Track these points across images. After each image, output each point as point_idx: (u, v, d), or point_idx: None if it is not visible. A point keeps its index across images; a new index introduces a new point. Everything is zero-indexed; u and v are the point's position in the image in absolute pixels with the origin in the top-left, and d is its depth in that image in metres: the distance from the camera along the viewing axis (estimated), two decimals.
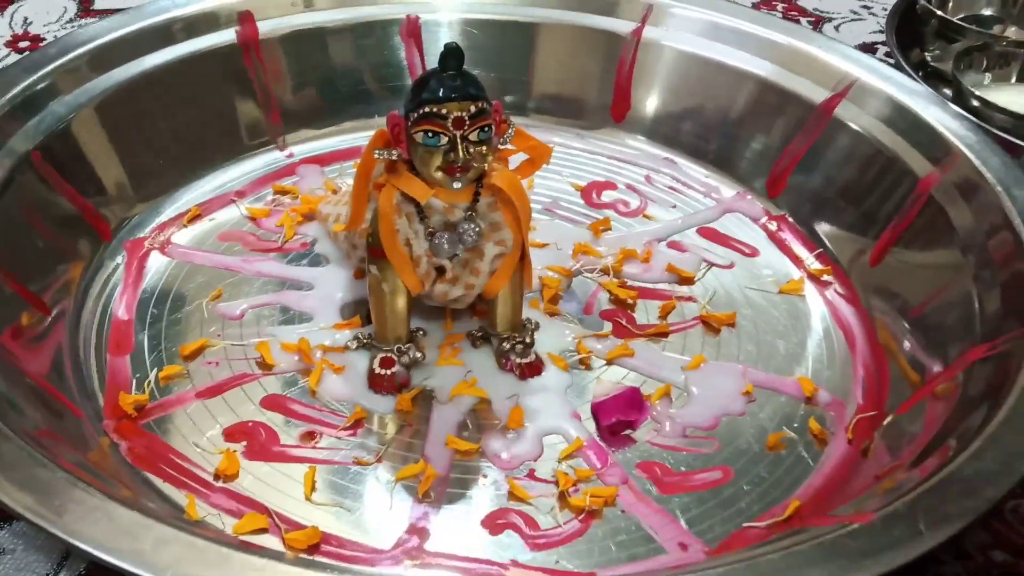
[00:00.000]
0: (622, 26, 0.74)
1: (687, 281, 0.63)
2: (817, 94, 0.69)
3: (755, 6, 0.92)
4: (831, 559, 0.39)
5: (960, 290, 0.57)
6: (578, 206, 0.70)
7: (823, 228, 0.67)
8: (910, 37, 0.84)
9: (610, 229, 0.67)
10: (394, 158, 0.51)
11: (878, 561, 0.39)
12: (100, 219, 0.62)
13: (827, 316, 0.62)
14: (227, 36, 0.71)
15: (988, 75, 0.80)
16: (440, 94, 0.48)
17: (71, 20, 0.86)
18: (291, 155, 0.72)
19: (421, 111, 0.48)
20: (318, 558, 0.46)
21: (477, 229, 0.52)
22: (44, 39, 0.83)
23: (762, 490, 0.51)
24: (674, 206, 0.70)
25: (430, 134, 0.48)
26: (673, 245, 0.67)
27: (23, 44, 0.83)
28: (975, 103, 0.73)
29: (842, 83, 0.69)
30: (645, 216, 0.69)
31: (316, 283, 0.62)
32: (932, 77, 0.81)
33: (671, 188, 0.71)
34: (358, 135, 0.74)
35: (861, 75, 0.69)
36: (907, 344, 0.58)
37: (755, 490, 0.51)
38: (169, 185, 0.67)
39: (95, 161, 0.64)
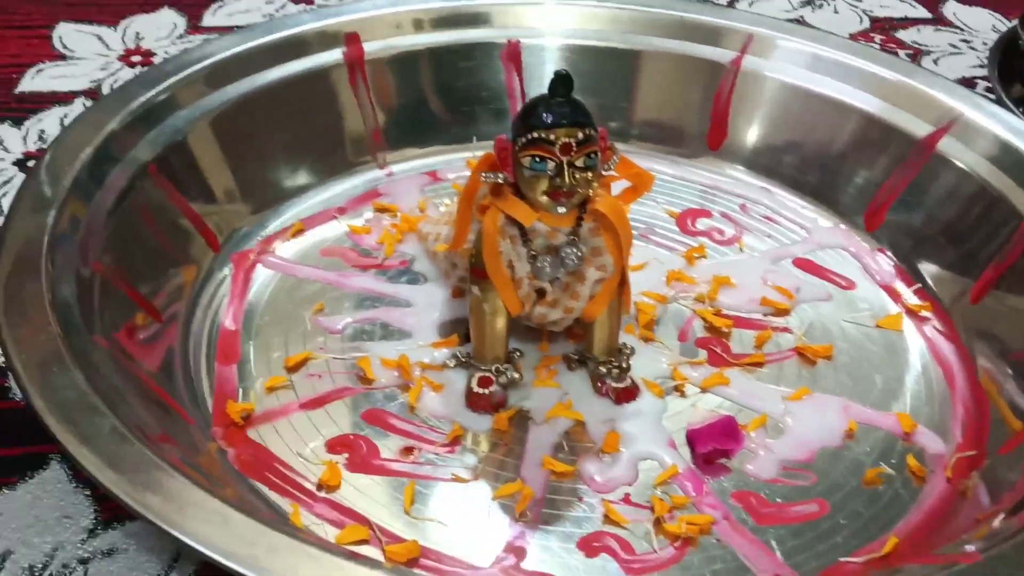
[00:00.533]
0: (723, 55, 0.75)
1: (783, 312, 0.63)
2: (920, 128, 0.69)
3: (852, 38, 0.92)
4: None
5: None
6: (673, 233, 0.70)
7: (923, 265, 0.66)
8: (1011, 72, 0.83)
9: (704, 257, 0.68)
10: (500, 181, 0.52)
11: None
12: (209, 231, 0.64)
13: (926, 352, 0.61)
14: (335, 56, 0.72)
15: None
16: (549, 120, 0.49)
17: (180, 36, 0.89)
18: (391, 173, 0.74)
19: (530, 136, 0.49)
20: (418, 572, 0.46)
21: (579, 253, 0.53)
22: (155, 54, 0.86)
23: (859, 525, 0.51)
24: (769, 236, 0.70)
25: (538, 159, 0.49)
26: (770, 275, 0.66)
27: (135, 59, 0.86)
28: None
29: (945, 118, 0.68)
30: (740, 245, 0.69)
31: (414, 301, 0.63)
32: None
33: (767, 218, 0.72)
34: (455, 156, 0.75)
35: (964, 110, 0.68)
36: (1008, 388, 0.57)
37: (852, 525, 0.51)
38: (275, 199, 0.69)
39: (208, 173, 0.66)
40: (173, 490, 0.42)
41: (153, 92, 0.65)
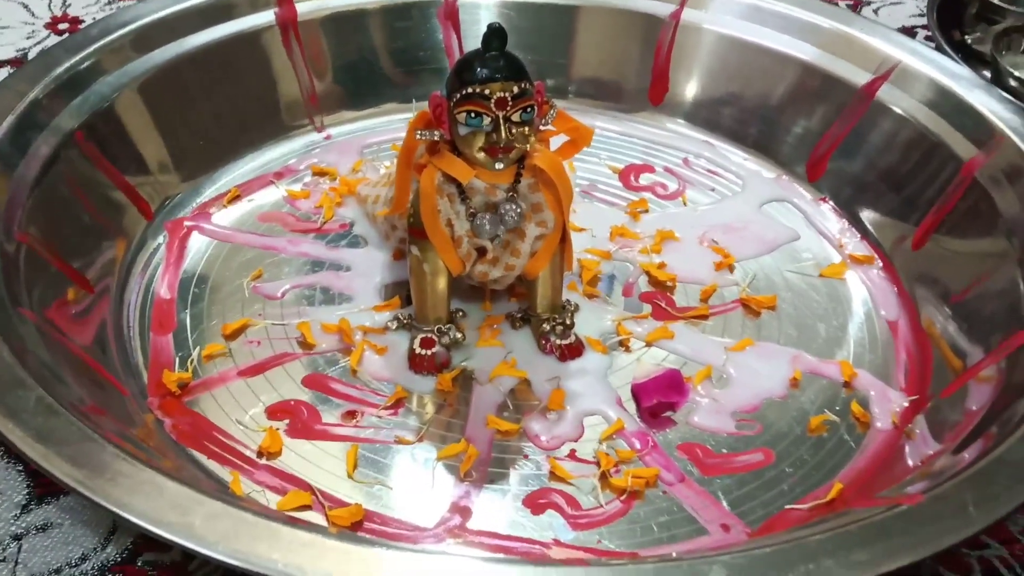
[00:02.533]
0: (661, 8, 0.74)
1: (727, 264, 0.63)
2: (859, 77, 0.69)
3: None
4: (880, 539, 0.39)
5: (1005, 276, 0.56)
6: (616, 188, 0.70)
7: (865, 213, 0.66)
8: (950, 19, 0.83)
9: (647, 211, 0.67)
10: (436, 139, 0.51)
11: (927, 542, 0.39)
12: (141, 199, 0.63)
13: (868, 300, 0.61)
14: (267, 17, 0.71)
15: None
16: (484, 75, 0.48)
17: (109, 2, 0.87)
18: (328, 136, 0.73)
19: (464, 91, 0.48)
20: (362, 535, 0.46)
21: (519, 210, 0.52)
22: (83, 21, 0.84)
23: (804, 473, 0.51)
24: (712, 189, 0.70)
25: (473, 115, 0.48)
26: (713, 228, 0.66)
27: (62, 26, 0.83)
28: (1014, 83, 0.72)
29: (884, 66, 0.68)
30: (683, 199, 0.69)
31: (355, 264, 0.62)
32: (971, 59, 0.80)
33: (709, 171, 0.71)
34: (395, 117, 0.74)
35: (903, 58, 0.68)
36: (949, 330, 0.58)
37: (797, 472, 0.51)
38: (209, 165, 0.68)
39: (137, 140, 0.64)
40: (104, 461, 0.41)
41: (78, 57, 0.63)
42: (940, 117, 0.65)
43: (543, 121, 0.51)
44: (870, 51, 0.69)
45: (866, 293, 0.62)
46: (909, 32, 0.86)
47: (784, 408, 0.54)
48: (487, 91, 0.48)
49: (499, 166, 0.50)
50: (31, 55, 0.79)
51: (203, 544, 0.38)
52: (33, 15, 0.84)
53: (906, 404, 0.55)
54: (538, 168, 0.51)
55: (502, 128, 0.48)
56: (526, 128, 0.49)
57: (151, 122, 0.65)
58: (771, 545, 0.40)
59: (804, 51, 0.71)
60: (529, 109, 0.49)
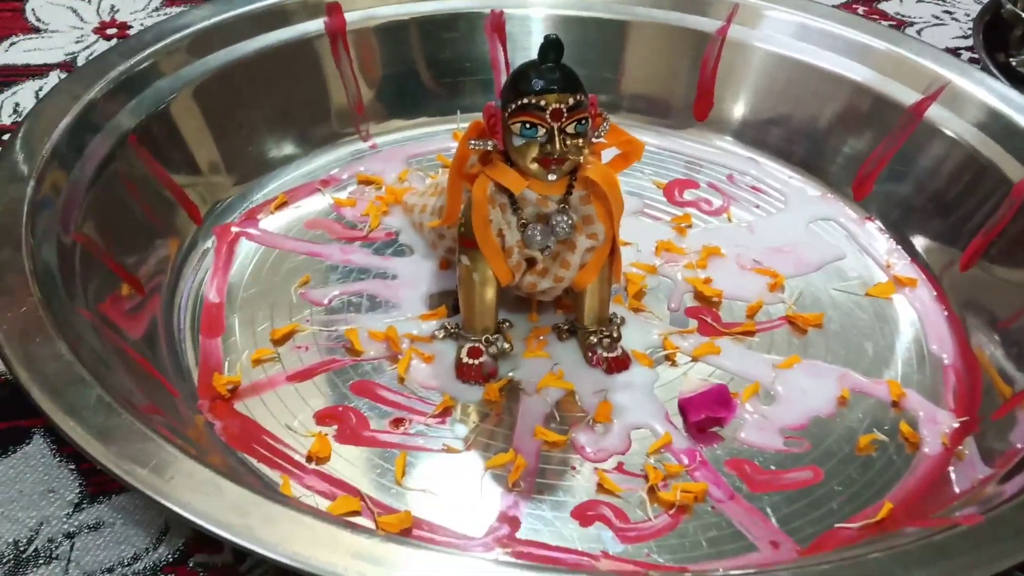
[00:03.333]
0: (709, 24, 0.74)
1: (775, 284, 0.63)
2: (908, 97, 0.68)
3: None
4: (939, 559, 0.39)
5: None
6: (660, 203, 0.70)
7: (913, 234, 0.66)
8: (995, 41, 0.83)
9: (691, 227, 0.67)
10: (489, 149, 0.51)
11: (986, 563, 0.39)
12: (191, 203, 0.63)
13: (916, 321, 0.61)
14: (317, 25, 0.71)
15: None
16: (539, 86, 0.48)
17: (156, 9, 0.88)
18: (374, 145, 0.73)
19: (520, 102, 0.48)
20: (413, 541, 0.46)
21: (570, 222, 0.52)
22: (131, 27, 0.85)
23: (853, 491, 0.51)
24: (757, 206, 0.70)
25: (528, 125, 0.48)
26: (758, 245, 0.66)
27: (110, 31, 0.84)
28: None
29: (933, 86, 0.68)
30: (727, 215, 0.69)
31: (401, 273, 0.62)
32: (1016, 82, 0.80)
33: (754, 188, 0.71)
34: (440, 128, 0.74)
35: (952, 78, 0.68)
36: (998, 356, 0.57)
37: (846, 491, 0.51)
38: (258, 171, 0.68)
39: (190, 143, 0.65)
40: (164, 460, 0.41)
41: (133, 61, 0.64)
42: (990, 139, 0.64)
43: (596, 133, 0.51)
44: (919, 71, 0.69)
45: (914, 314, 0.62)
46: (954, 53, 0.86)
47: (832, 426, 0.54)
48: (543, 102, 0.48)
49: (552, 177, 0.50)
50: (80, 59, 0.80)
51: (263, 546, 0.38)
52: (82, 19, 0.85)
53: (956, 425, 0.54)
54: (590, 180, 0.51)
55: (556, 139, 0.48)
56: (580, 140, 0.49)
57: (204, 125, 0.65)
58: (828, 562, 0.39)
59: (853, 71, 0.71)
60: (583, 121, 0.49)
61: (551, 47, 0.49)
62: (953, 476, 0.51)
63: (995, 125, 0.65)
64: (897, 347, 0.59)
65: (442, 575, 0.38)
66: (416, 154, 0.72)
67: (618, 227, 0.54)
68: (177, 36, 0.66)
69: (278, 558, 0.37)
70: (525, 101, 0.48)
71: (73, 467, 0.49)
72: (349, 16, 0.72)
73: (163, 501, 0.39)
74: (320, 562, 0.37)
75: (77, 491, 0.48)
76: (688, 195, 0.71)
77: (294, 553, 0.37)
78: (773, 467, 0.52)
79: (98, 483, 0.48)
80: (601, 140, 0.52)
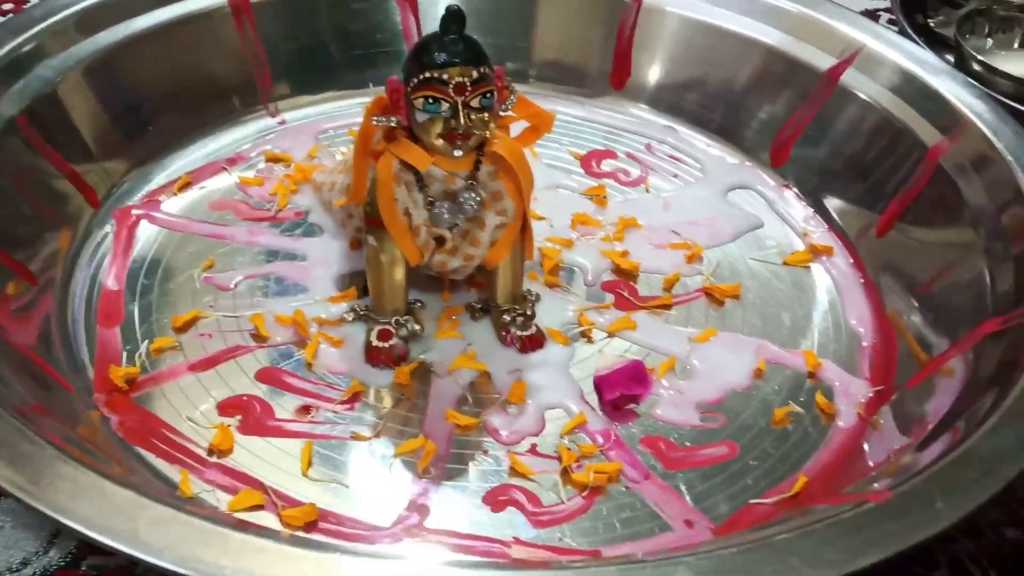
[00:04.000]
0: None
1: (693, 256, 0.62)
2: (824, 62, 0.68)
3: None
4: (848, 537, 0.38)
5: (971, 267, 0.56)
6: (578, 175, 0.68)
7: (830, 200, 0.66)
8: (912, 3, 0.82)
9: (607, 199, 0.66)
10: (393, 125, 0.50)
11: (896, 539, 0.38)
12: (88, 187, 0.61)
13: (833, 288, 0.61)
14: None
15: (990, 40, 0.79)
16: (442, 59, 0.47)
17: None
18: (283, 122, 0.71)
19: (422, 76, 0.47)
20: (316, 536, 0.44)
21: (478, 198, 0.51)
22: (28, 3, 0.81)
23: (769, 466, 0.50)
24: (675, 175, 0.69)
25: (431, 100, 0.47)
26: (676, 216, 0.65)
27: (7, 7, 0.81)
28: (977, 68, 0.72)
29: (848, 50, 0.67)
30: (645, 186, 0.68)
31: (310, 254, 0.60)
32: (935, 43, 0.80)
33: (672, 157, 0.70)
34: (351, 102, 0.72)
35: (868, 42, 0.67)
36: (915, 321, 0.57)
37: (762, 466, 0.50)
38: (158, 152, 0.66)
39: (82, 126, 0.62)
40: (45, 465, 0.39)
41: (19, 40, 0.61)
42: (905, 103, 0.64)
43: (503, 107, 0.50)
44: (835, 35, 0.68)
45: (830, 282, 0.61)
46: (872, 15, 0.86)
47: (748, 400, 0.54)
48: (445, 76, 0.46)
49: (458, 153, 0.48)
50: None
51: (148, 551, 0.36)
52: None
53: (871, 395, 0.54)
54: (498, 155, 0.50)
55: (461, 114, 0.47)
56: (485, 114, 0.48)
57: (97, 107, 0.63)
58: (737, 545, 0.39)
59: (769, 35, 0.70)
60: (489, 95, 0.47)
61: (452, 18, 0.47)
62: (868, 447, 0.51)
63: (910, 88, 0.64)
64: (814, 317, 0.59)
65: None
66: (326, 130, 0.70)
67: (528, 202, 0.52)
68: (68, 12, 0.63)
69: (164, 564, 0.36)
70: (427, 75, 0.47)
71: None
72: None
73: (42, 507, 0.37)
74: (208, 565, 0.36)
75: None
76: (606, 166, 0.69)
77: (180, 557, 0.36)
78: (688, 444, 0.51)
79: None
80: (509, 113, 0.51)
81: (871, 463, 0.49)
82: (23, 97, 0.59)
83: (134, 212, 0.62)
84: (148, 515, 0.38)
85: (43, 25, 0.62)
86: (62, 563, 0.44)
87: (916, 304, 0.58)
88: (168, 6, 0.67)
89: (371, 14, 0.73)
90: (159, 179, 0.65)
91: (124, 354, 0.53)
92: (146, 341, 0.54)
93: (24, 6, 0.80)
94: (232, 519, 0.43)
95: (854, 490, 0.45)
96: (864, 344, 0.57)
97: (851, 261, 0.62)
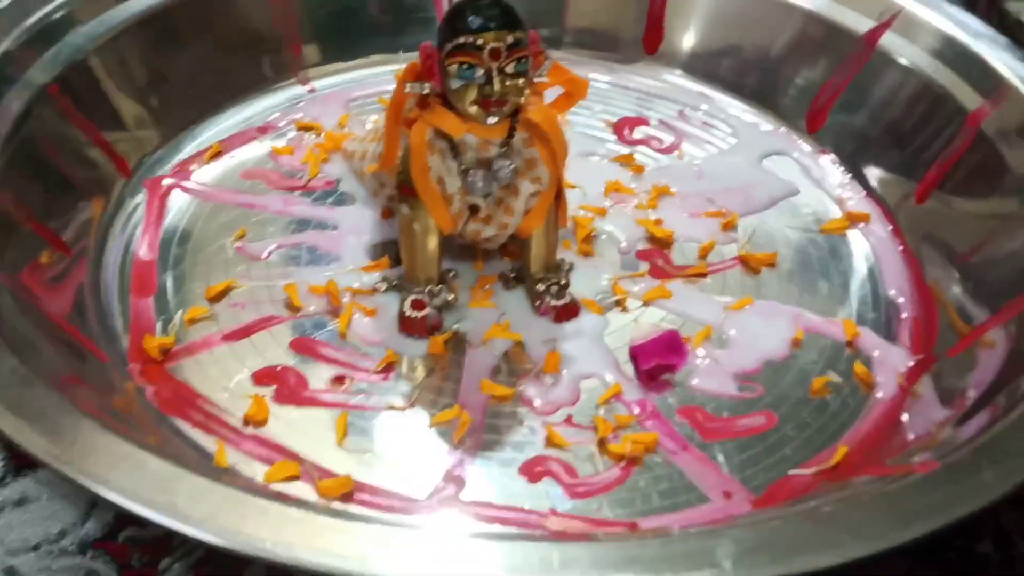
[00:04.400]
0: None
1: (728, 223, 0.61)
2: (861, 24, 0.66)
3: None
4: (894, 509, 0.38)
5: (1012, 236, 0.55)
6: (610, 142, 0.68)
7: (869, 167, 0.65)
8: None
9: (642, 166, 0.65)
10: (426, 92, 0.49)
11: (943, 511, 0.38)
12: (119, 156, 0.61)
13: (871, 256, 0.60)
14: None
15: None
16: (476, 24, 0.46)
17: None
18: (313, 90, 0.70)
19: (456, 42, 0.46)
20: (352, 507, 0.44)
21: (512, 166, 0.50)
22: None
23: (807, 436, 0.49)
24: (709, 142, 0.68)
25: (465, 66, 0.46)
26: (710, 182, 0.64)
27: None
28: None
29: (886, 13, 0.66)
30: (679, 153, 0.67)
31: (342, 223, 0.60)
32: (976, 6, 0.78)
33: (706, 124, 0.69)
34: (382, 69, 0.72)
35: (906, 4, 0.66)
36: (956, 292, 0.56)
37: (800, 436, 0.49)
38: (189, 120, 0.65)
39: (113, 95, 0.62)
40: (82, 435, 0.39)
41: (51, 7, 0.60)
42: (945, 66, 0.63)
43: (537, 73, 0.49)
44: None
45: (868, 249, 0.60)
46: None
47: (786, 369, 0.53)
48: (480, 41, 0.46)
49: (492, 120, 0.48)
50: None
51: (187, 522, 0.36)
52: None
53: (911, 364, 0.53)
54: (532, 122, 0.49)
55: (495, 80, 0.46)
56: (520, 80, 0.47)
57: (128, 75, 0.62)
58: (780, 517, 0.38)
59: None
60: (524, 60, 0.47)
61: None
62: (909, 418, 0.50)
63: (949, 51, 0.63)
64: (851, 285, 0.58)
65: (375, 546, 0.36)
66: (356, 97, 0.70)
67: (563, 170, 0.52)
68: None
69: (202, 535, 0.36)
70: (461, 40, 0.46)
71: None
72: None
73: (79, 478, 0.37)
74: (247, 537, 0.36)
75: (0, 465, 0.46)
76: (638, 133, 0.69)
77: (220, 529, 0.36)
78: (726, 414, 0.50)
79: (22, 456, 0.46)
80: (543, 80, 0.50)
81: (912, 435, 0.48)
82: (55, 65, 0.59)
83: (165, 181, 0.61)
84: (186, 486, 0.37)
85: None
86: (100, 534, 0.44)
87: (956, 274, 0.57)
88: None
89: None
90: (190, 148, 0.64)
91: (158, 324, 0.53)
92: (180, 311, 0.54)
93: None
94: (269, 490, 0.43)
95: (897, 461, 0.44)
96: (903, 313, 0.56)
97: (890, 228, 0.61)
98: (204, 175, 0.63)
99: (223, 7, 0.67)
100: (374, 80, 0.71)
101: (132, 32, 0.63)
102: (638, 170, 0.65)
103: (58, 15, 0.61)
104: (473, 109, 0.47)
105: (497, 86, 0.46)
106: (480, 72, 0.46)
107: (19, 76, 0.57)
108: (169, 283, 0.55)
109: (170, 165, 0.63)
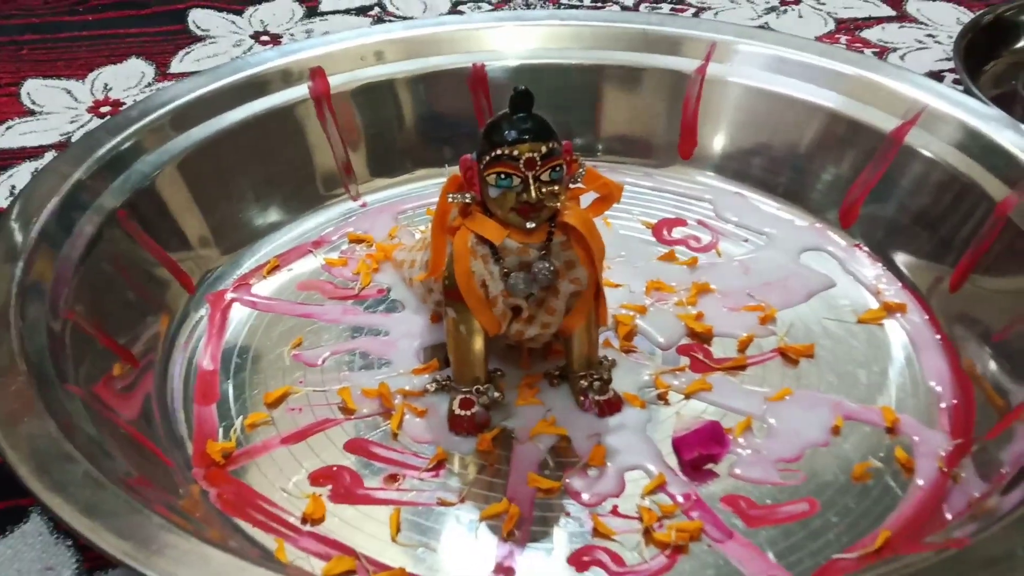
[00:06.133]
0: (686, 64, 0.75)
1: (766, 317, 0.63)
2: (887, 123, 0.69)
3: (818, 40, 0.92)
4: None
5: None
6: (650, 243, 0.70)
7: (899, 256, 0.66)
8: (976, 61, 0.83)
9: (687, 264, 0.67)
10: (467, 201, 0.52)
11: None
12: (183, 273, 0.64)
13: (908, 344, 0.61)
14: (300, 91, 0.72)
15: None
16: (512, 137, 0.49)
17: (149, 84, 0.89)
18: (364, 204, 0.74)
19: (493, 154, 0.49)
20: None
21: (551, 268, 0.52)
22: (124, 103, 0.86)
23: (850, 521, 0.50)
24: (745, 240, 0.70)
25: (503, 176, 0.49)
26: (749, 279, 0.66)
27: (104, 109, 0.86)
28: None
29: (911, 110, 0.68)
30: (716, 251, 0.69)
31: (393, 329, 0.63)
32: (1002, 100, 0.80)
33: (741, 223, 0.71)
34: (428, 182, 0.75)
35: (930, 101, 0.68)
36: (991, 369, 0.57)
37: (843, 521, 0.50)
38: (248, 238, 0.69)
39: (178, 216, 0.65)
40: (151, 533, 0.41)
41: (119, 138, 0.65)
42: (971, 158, 0.64)
43: (572, 179, 0.52)
44: (896, 96, 0.69)
45: (905, 338, 0.61)
46: (936, 76, 0.87)
47: (827, 456, 0.54)
48: (515, 152, 0.49)
49: (531, 225, 0.50)
50: (75, 139, 0.81)
51: None
52: (76, 100, 0.87)
53: (951, 448, 0.54)
54: (569, 226, 0.52)
55: (532, 188, 0.49)
56: (556, 187, 0.50)
57: (191, 198, 0.66)
58: None
59: (829, 99, 0.71)
60: (558, 168, 0.50)
61: (521, 98, 0.49)
62: (949, 499, 0.51)
63: (974, 144, 0.65)
64: (890, 372, 0.59)
65: None
66: (405, 210, 0.73)
67: (601, 270, 0.54)
68: (162, 111, 0.67)
69: None
70: (498, 152, 0.49)
71: (70, 544, 0.49)
72: (332, 79, 0.73)
73: (147, 572, 0.39)
74: None
75: (74, 567, 0.48)
76: (677, 233, 0.71)
77: None
78: (769, 501, 0.51)
79: (94, 558, 0.48)
80: (578, 185, 0.53)
81: (951, 515, 0.49)
82: (123, 191, 0.63)
83: (227, 296, 0.65)
84: None
85: (140, 124, 0.66)
86: None
87: (991, 352, 0.58)
88: (254, 101, 0.71)
89: (444, 99, 0.76)
90: (249, 263, 0.68)
91: (220, 430, 0.56)
92: (240, 417, 0.56)
93: (120, 109, 0.85)
94: None
95: (935, 539, 0.45)
96: (942, 400, 0.57)
97: (926, 317, 0.63)
98: (263, 288, 0.66)
99: (276, 132, 0.71)
100: (421, 193, 0.74)
101: (194, 158, 0.67)
102: (695, 262, 0.67)
103: (126, 145, 0.65)
104: (512, 215, 0.50)
105: (534, 193, 0.49)
106: (517, 181, 0.49)
107: (91, 202, 0.61)
108: (230, 391, 0.58)
109: (231, 280, 0.66)
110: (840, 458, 0.54)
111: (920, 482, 0.52)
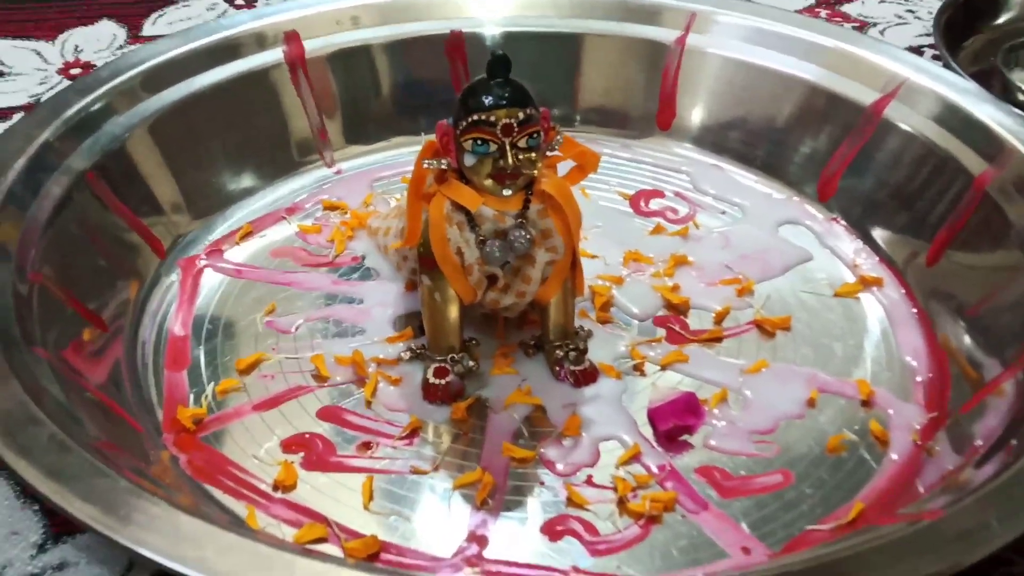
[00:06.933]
0: (666, 34, 0.74)
1: (744, 290, 0.62)
2: (866, 96, 0.69)
3: (798, 12, 0.91)
4: (900, 557, 0.39)
5: (1018, 288, 0.56)
6: (627, 215, 0.70)
7: (877, 230, 0.66)
8: (955, 36, 0.83)
9: (659, 234, 0.67)
10: (443, 167, 0.51)
11: (948, 558, 0.38)
12: (154, 237, 0.63)
13: (884, 318, 0.61)
14: (275, 55, 0.71)
15: None
16: (488, 102, 0.48)
17: (121, 47, 0.88)
18: (339, 171, 0.73)
19: (470, 119, 0.48)
20: (378, 566, 0.46)
21: (528, 236, 0.52)
22: (95, 66, 0.84)
23: (824, 493, 0.50)
24: (723, 212, 0.70)
25: (479, 142, 0.49)
26: (725, 252, 0.66)
27: (75, 71, 0.84)
28: (1022, 97, 0.72)
29: (891, 84, 0.68)
30: (694, 223, 0.69)
31: (367, 297, 0.62)
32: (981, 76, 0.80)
33: (719, 194, 0.71)
34: (404, 150, 0.74)
35: (910, 75, 0.68)
36: (966, 343, 0.57)
37: (817, 493, 0.50)
38: (221, 203, 0.68)
39: (149, 180, 0.64)
40: (118, 497, 0.41)
41: (88, 99, 0.64)
42: (949, 133, 0.64)
43: (549, 147, 0.51)
44: (875, 70, 0.69)
45: (882, 311, 0.61)
46: (916, 51, 0.86)
47: (802, 429, 0.54)
48: (492, 118, 0.48)
49: (507, 192, 0.50)
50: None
51: None
52: (46, 61, 0.85)
53: (926, 421, 0.54)
54: (546, 194, 0.51)
55: (508, 154, 0.48)
56: (532, 154, 0.49)
57: (162, 161, 0.65)
58: (788, 566, 0.39)
59: (809, 71, 0.71)
60: (535, 135, 0.49)
61: (498, 63, 0.49)
62: (926, 472, 0.51)
63: (953, 119, 0.65)
64: (866, 346, 0.59)
65: None
66: (380, 177, 0.72)
67: (577, 239, 0.54)
68: (133, 72, 0.66)
69: None
70: (475, 118, 0.48)
71: (36, 508, 0.48)
72: (307, 44, 0.72)
73: (116, 537, 0.39)
74: None
75: (40, 532, 0.47)
76: (654, 204, 0.71)
77: None
78: (743, 472, 0.51)
79: (61, 523, 0.47)
80: (555, 153, 0.52)
81: (924, 488, 0.49)
82: (92, 153, 0.61)
83: (199, 261, 0.64)
84: (216, 543, 0.39)
85: (110, 85, 0.65)
86: None
87: (966, 327, 0.58)
88: (227, 64, 0.70)
89: (420, 65, 0.75)
90: (222, 229, 0.67)
91: (191, 396, 0.55)
92: (212, 383, 0.56)
93: (91, 71, 0.84)
94: (298, 548, 0.44)
95: (909, 511, 0.45)
96: (917, 374, 0.57)
97: (902, 291, 0.63)
98: (235, 254, 0.65)
99: (250, 96, 0.70)
100: (397, 160, 0.74)
101: (165, 121, 0.66)
102: (686, 232, 0.67)
103: (96, 107, 0.64)
104: (488, 182, 0.50)
105: (510, 160, 0.48)
106: (493, 147, 0.48)
107: (59, 164, 0.60)
108: (202, 357, 0.57)
109: (203, 245, 0.65)
110: (815, 430, 0.54)
111: (894, 455, 0.52)
